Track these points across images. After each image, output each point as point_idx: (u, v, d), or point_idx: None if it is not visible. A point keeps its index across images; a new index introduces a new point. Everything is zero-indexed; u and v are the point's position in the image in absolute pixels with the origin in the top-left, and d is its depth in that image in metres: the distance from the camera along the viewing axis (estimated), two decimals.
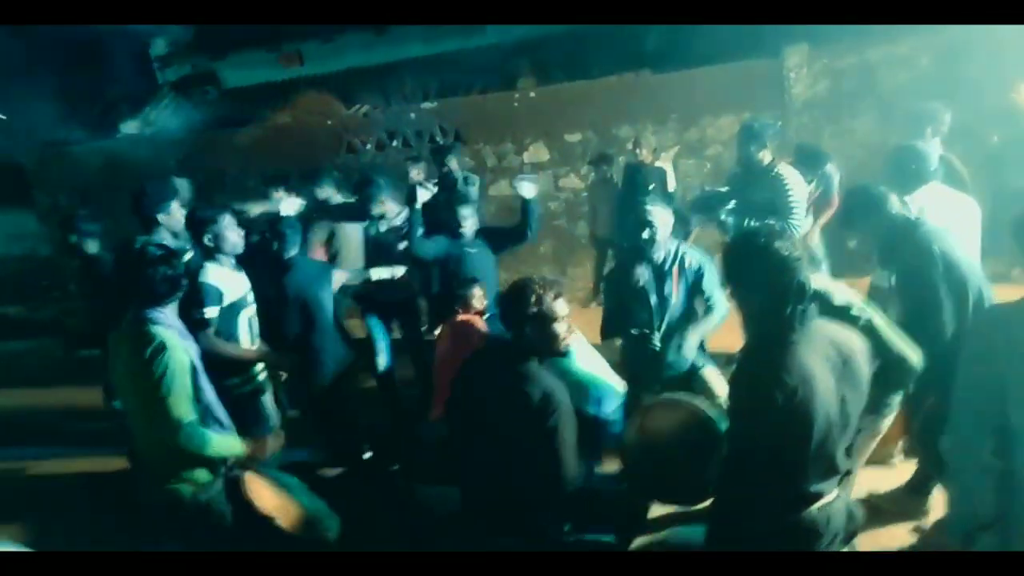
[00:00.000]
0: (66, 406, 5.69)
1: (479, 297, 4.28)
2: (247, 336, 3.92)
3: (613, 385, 4.14)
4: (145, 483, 3.06)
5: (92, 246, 4.80)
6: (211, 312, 3.70)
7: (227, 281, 3.81)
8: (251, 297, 3.96)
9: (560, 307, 2.64)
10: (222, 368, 3.56)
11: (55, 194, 8.70)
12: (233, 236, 3.86)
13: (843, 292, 2.91)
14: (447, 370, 3.92)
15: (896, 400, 3.06)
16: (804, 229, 4.42)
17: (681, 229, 5.00)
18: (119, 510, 4.12)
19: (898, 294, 3.39)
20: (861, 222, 3.38)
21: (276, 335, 4.22)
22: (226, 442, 3.01)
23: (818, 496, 2.16)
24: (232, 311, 3.82)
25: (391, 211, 5.27)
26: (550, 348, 2.66)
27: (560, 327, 2.64)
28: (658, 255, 3.89)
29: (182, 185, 5.97)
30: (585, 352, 3.66)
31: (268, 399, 4.02)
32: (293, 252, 4.35)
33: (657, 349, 3.89)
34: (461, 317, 4.25)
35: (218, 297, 3.74)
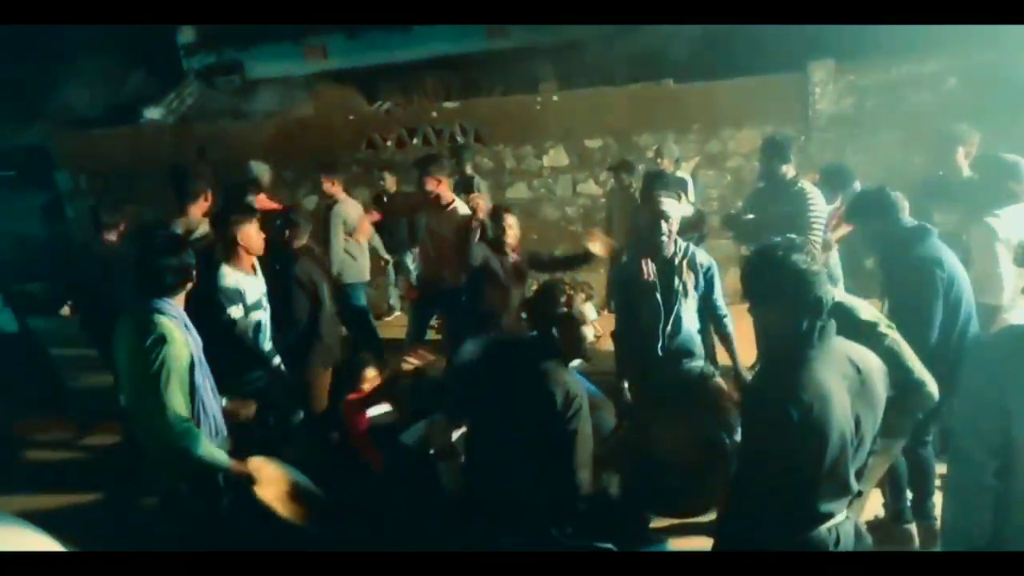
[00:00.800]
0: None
1: (371, 379, 3.98)
2: (260, 338, 3.94)
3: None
4: (143, 468, 3.06)
5: (110, 235, 4.90)
6: (235, 311, 3.74)
7: (243, 283, 3.85)
8: (265, 301, 3.98)
9: (589, 311, 2.66)
10: (244, 363, 3.66)
11: (77, 176, 8.77)
12: (259, 239, 3.90)
13: (869, 310, 2.89)
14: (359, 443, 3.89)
15: (909, 426, 3.04)
16: (824, 245, 4.38)
17: (695, 232, 4.98)
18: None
19: (887, 299, 3.39)
20: (867, 220, 3.39)
21: (285, 324, 4.25)
22: (216, 453, 2.92)
23: (829, 516, 2.14)
24: (247, 313, 3.85)
25: (446, 196, 5.19)
26: (576, 351, 2.66)
27: (588, 331, 2.65)
28: (668, 250, 3.81)
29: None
30: None
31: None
32: (302, 242, 4.41)
33: (660, 353, 3.85)
34: (351, 397, 3.91)
35: (239, 296, 3.77)
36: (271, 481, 3.04)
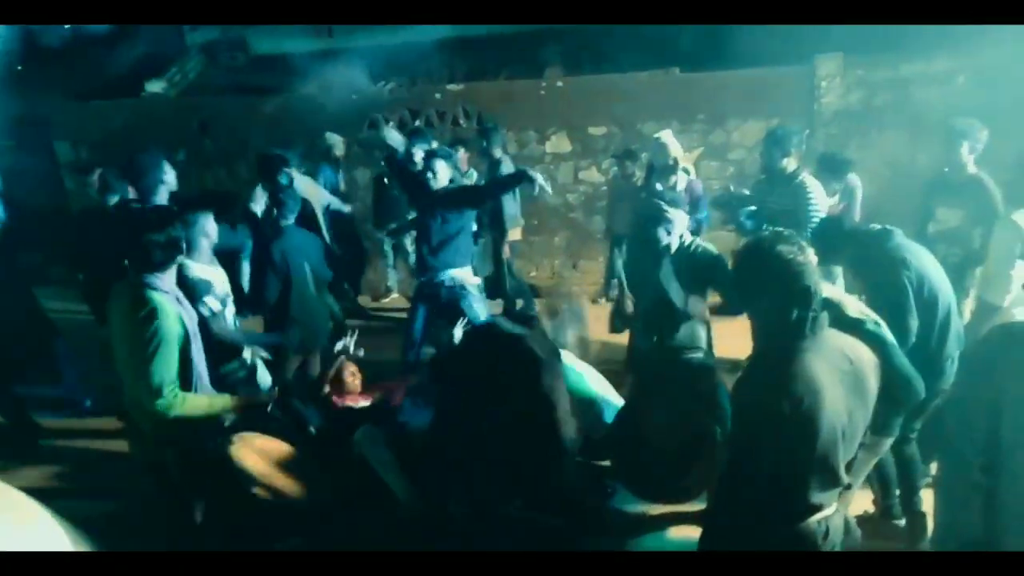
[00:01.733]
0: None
1: (352, 377, 3.84)
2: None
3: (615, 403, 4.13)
4: (133, 440, 3.07)
5: (112, 199, 4.90)
6: (212, 303, 3.68)
7: (211, 274, 3.79)
8: (229, 290, 3.93)
9: None
10: (218, 356, 3.57)
11: (77, 147, 8.72)
12: (214, 232, 3.80)
13: (856, 305, 2.88)
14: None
15: (898, 422, 3.04)
16: None
17: (694, 219, 4.99)
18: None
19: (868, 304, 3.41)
20: (834, 251, 3.42)
21: (257, 301, 4.24)
22: (211, 401, 3.01)
23: (818, 508, 2.13)
24: (224, 303, 3.81)
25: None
26: None
27: None
28: (669, 247, 3.81)
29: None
30: (593, 375, 3.65)
31: (262, 375, 4.01)
32: (288, 221, 4.42)
33: (648, 340, 3.85)
34: (335, 399, 3.73)
35: (209, 288, 3.70)
36: (260, 452, 3.05)
